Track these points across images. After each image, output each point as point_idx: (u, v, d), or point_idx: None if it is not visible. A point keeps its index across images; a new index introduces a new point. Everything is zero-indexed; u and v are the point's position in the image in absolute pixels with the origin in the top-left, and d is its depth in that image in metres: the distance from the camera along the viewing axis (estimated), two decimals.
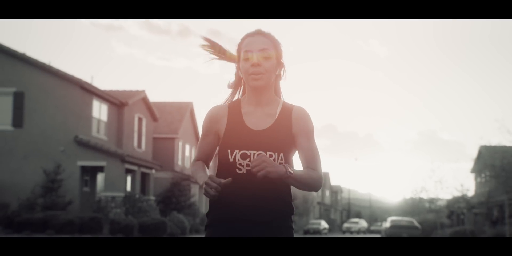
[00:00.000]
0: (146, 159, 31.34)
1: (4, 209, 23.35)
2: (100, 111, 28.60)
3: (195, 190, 38.49)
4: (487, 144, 34.21)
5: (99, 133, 28.46)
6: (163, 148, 38.11)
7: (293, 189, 2.94)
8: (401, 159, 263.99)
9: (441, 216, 45.36)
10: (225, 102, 2.97)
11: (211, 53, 2.99)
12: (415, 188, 45.70)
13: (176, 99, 59.54)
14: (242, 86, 2.98)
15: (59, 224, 21.84)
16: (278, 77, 2.90)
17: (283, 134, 2.80)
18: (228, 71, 3.03)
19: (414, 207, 48.95)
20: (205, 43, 2.98)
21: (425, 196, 44.87)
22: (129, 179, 30.00)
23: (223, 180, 2.63)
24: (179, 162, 39.82)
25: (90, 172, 28.18)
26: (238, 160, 2.77)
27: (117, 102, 30.06)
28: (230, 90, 3.03)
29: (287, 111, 2.85)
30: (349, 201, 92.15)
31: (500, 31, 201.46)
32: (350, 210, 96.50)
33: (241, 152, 2.77)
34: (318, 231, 53.33)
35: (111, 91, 32.30)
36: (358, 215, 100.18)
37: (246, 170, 2.74)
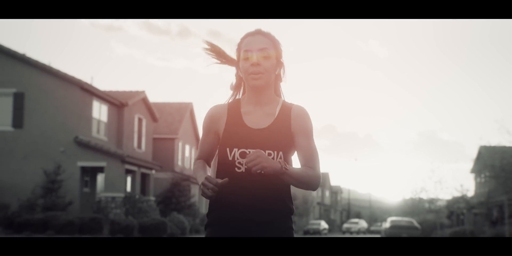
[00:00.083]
0: (146, 160, 31.34)
1: (4, 210, 23.36)
2: (100, 111, 28.61)
3: (195, 190, 38.49)
4: (487, 144, 34.20)
5: (99, 134, 28.46)
6: (163, 149, 38.12)
7: (293, 189, 2.94)
8: (401, 160, 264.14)
9: (441, 216, 45.36)
10: (226, 102, 2.98)
11: (212, 57, 3.00)
12: (415, 188, 45.71)
13: (176, 99, 59.63)
14: (242, 86, 2.98)
15: (59, 224, 21.85)
16: (278, 76, 2.91)
17: (282, 133, 2.80)
18: (227, 71, 3.04)
19: (414, 207, 48.95)
20: (207, 46, 2.99)
21: (425, 196, 44.90)
22: (129, 179, 30.00)
23: (220, 180, 2.63)
24: (179, 163, 39.82)
25: (90, 173, 28.19)
26: (237, 159, 2.77)
27: (117, 103, 30.07)
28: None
29: (287, 110, 2.85)
30: (349, 201, 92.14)
31: (500, 31, 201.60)
32: (350, 211, 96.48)
33: (240, 150, 2.77)
34: (318, 231, 53.32)
35: (111, 91, 32.32)
36: (358, 216, 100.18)
37: (245, 168, 2.74)
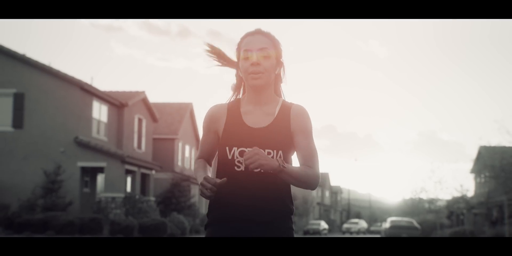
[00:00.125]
0: (146, 160, 31.34)
1: (4, 210, 23.36)
2: (100, 112, 28.62)
3: (195, 190, 38.48)
4: (487, 144, 34.21)
5: (99, 134, 28.47)
6: (163, 149, 38.12)
7: (293, 189, 2.94)
8: (401, 160, 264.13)
9: (441, 216, 45.36)
10: (227, 102, 2.98)
11: (214, 60, 3.01)
12: (415, 188, 45.72)
13: (176, 99, 59.62)
14: (242, 86, 2.99)
15: (59, 225, 21.85)
16: (278, 76, 2.91)
17: (282, 132, 2.80)
18: (227, 71, 3.05)
19: (414, 207, 48.96)
20: (208, 48, 3.00)
21: (424, 196, 44.90)
22: (129, 180, 30.00)
23: (218, 180, 2.63)
24: (179, 163, 39.82)
25: (90, 173, 28.19)
26: (237, 158, 2.77)
27: (117, 103, 30.07)
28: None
29: (286, 109, 2.85)
30: (349, 201, 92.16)
31: (500, 31, 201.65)
32: (350, 211, 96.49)
33: (239, 149, 2.77)
34: (317, 231, 53.31)
35: (111, 92, 32.32)
36: (358, 216, 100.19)
37: (245, 167, 2.74)
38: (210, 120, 2.89)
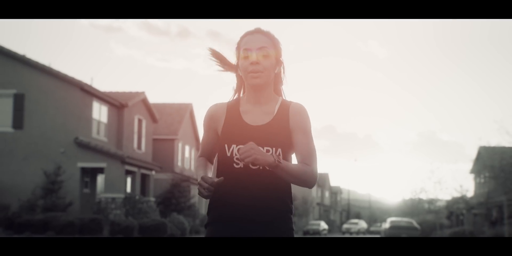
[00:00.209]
0: (146, 161, 31.34)
1: (4, 211, 23.35)
2: (100, 112, 28.61)
3: (195, 191, 38.45)
4: (486, 145, 34.23)
5: (99, 135, 28.47)
6: (163, 150, 38.11)
7: (293, 189, 2.94)
8: (401, 160, 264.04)
9: (441, 216, 45.35)
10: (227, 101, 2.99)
11: (216, 64, 3.02)
12: (415, 189, 45.75)
13: (176, 100, 59.49)
14: (242, 86, 2.99)
15: (59, 225, 21.85)
16: (278, 75, 2.91)
17: (281, 130, 2.80)
18: (227, 73, 3.05)
19: (414, 208, 48.96)
20: (210, 53, 3.01)
21: (424, 197, 44.92)
22: (129, 180, 29.99)
23: (216, 179, 2.64)
24: (179, 163, 39.80)
25: (90, 174, 28.19)
26: (235, 155, 2.77)
27: (117, 104, 30.07)
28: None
29: (285, 108, 2.86)
30: (349, 202, 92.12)
31: (500, 31, 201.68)
32: (350, 211, 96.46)
33: (238, 147, 2.77)
34: (317, 232, 53.29)
35: (111, 92, 32.32)
36: (358, 216, 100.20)
37: (244, 164, 2.74)
38: (210, 118, 2.90)
